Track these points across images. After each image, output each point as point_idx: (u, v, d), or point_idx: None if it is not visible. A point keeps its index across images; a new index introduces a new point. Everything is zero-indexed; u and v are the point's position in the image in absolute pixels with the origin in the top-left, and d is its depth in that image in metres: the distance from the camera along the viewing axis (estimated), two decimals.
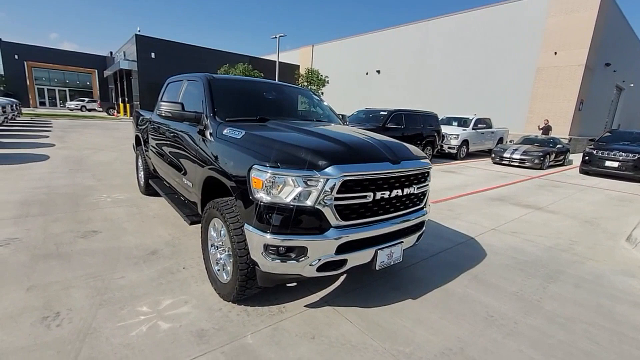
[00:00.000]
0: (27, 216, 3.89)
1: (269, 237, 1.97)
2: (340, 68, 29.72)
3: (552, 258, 3.62)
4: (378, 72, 27.32)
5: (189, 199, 3.28)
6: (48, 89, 38.43)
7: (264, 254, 2.01)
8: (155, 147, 4.21)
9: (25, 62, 34.90)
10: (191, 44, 28.63)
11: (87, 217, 4.00)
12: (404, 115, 10.37)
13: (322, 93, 23.35)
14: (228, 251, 2.33)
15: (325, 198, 2.00)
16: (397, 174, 2.27)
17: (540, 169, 10.73)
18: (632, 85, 26.22)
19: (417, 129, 10.59)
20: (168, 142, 3.70)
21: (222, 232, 2.39)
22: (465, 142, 12.28)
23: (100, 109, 33.70)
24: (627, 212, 5.92)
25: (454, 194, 6.40)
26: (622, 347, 2.19)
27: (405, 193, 2.35)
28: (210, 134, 2.72)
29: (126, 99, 30.93)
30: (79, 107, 32.84)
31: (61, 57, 36.66)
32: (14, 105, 15.55)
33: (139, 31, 26.21)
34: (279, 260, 2.01)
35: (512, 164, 11.16)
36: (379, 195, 2.19)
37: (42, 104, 37.99)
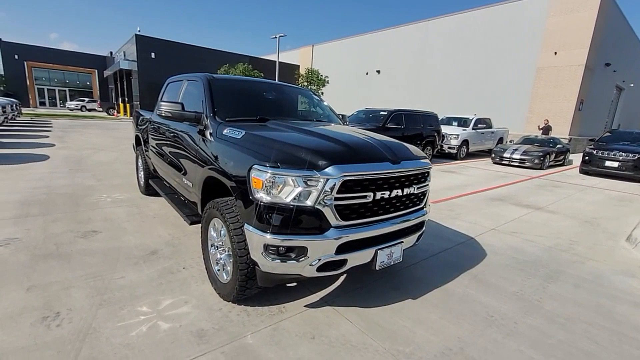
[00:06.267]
0: (27, 216, 3.89)
1: (269, 237, 1.97)
2: (340, 68, 29.72)
3: (552, 258, 3.62)
4: (378, 72, 27.32)
5: (189, 199, 3.28)
6: (48, 89, 38.42)
7: (264, 254, 2.01)
8: (155, 147, 4.21)
9: (25, 62, 34.89)
10: (191, 44, 28.64)
11: (87, 217, 4.00)
12: (404, 115, 10.37)
13: (322, 93, 23.34)
14: (228, 251, 2.33)
15: (325, 198, 2.00)
16: (397, 174, 2.27)
17: (540, 169, 10.73)
18: (632, 85, 26.22)
19: (417, 129, 10.59)
20: (168, 142, 3.70)
21: (222, 232, 2.39)
22: (465, 142, 12.28)
23: (100, 109, 33.70)
24: (627, 212, 5.92)
25: (454, 194, 6.40)
26: (622, 347, 2.19)
27: (405, 193, 2.35)
28: (210, 134, 2.72)
29: (126, 99, 30.92)
30: (79, 107, 32.84)
31: (61, 57, 36.65)
32: (14, 105, 15.55)
33: (139, 31, 26.22)
34: (279, 260, 2.01)
35: (512, 164, 11.16)
36: (379, 195, 2.19)
37: (42, 104, 37.99)
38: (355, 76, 29.04)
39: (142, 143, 4.89)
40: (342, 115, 4.41)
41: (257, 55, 33.18)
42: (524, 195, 6.81)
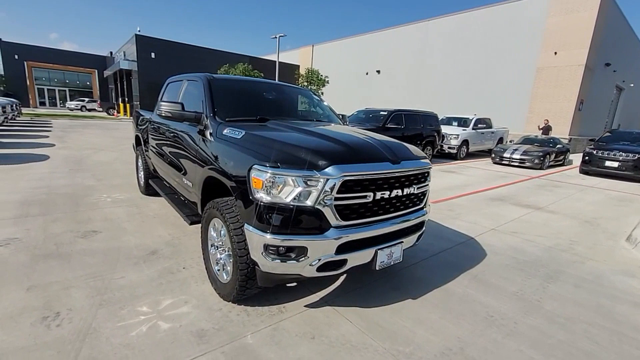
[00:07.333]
0: (27, 216, 3.89)
1: (269, 237, 1.97)
2: (340, 68, 29.72)
3: (552, 258, 3.62)
4: (378, 72, 27.32)
5: (189, 199, 3.28)
6: (48, 89, 38.42)
7: (264, 254, 2.01)
8: (155, 147, 4.21)
9: (25, 62, 34.89)
10: (191, 44, 28.64)
11: (87, 217, 3.99)
12: (404, 115, 10.37)
13: (322, 93, 23.34)
14: (228, 251, 2.33)
15: (325, 198, 1.99)
16: (397, 174, 2.27)
17: (540, 169, 10.73)
18: (632, 85, 26.22)
19: (417, 129, 10.59)
20: (168, 142, 3.70)
21: (222, 232, 2.39)
22: (465, 142, 12.28)
23: (100, 109, 33.70)
24: (627, 212, 5.92)
25: (454, 194, 6.40)
26: (622, 347, 2.19)
27: (405, 193, 2.35)
28: (210, 134, 2.72)
29: (126, 99, 30.92)
30: (79, 107, 32.84)
31: (61, 57, 36.66)
32: (14, 105, 15.55)
33: (139, 31, 26.22)
34: (279, 260, 2.01)
35: (512, 164, 11.16)
36: (379, 195, 2.19)
37: (42, 104, 37.99)
38: (355, 76, 29.03)
39: (142, 143, 4.89)
40: (342, 115, 4.41)
41: (257, 55, 33.18)
42: (524, 195, 6.81)
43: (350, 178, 2.03)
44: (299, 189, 1.98)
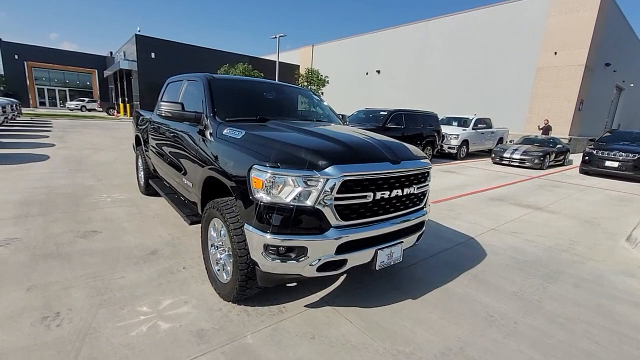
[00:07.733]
0: (27, 216, 3.89)
1: (269, 237, 1.97)
2: (340, 68, 29.72)
3: (552, 258, 3.62)
4: (378, 72, 27.33)
5: (189, 199, 3.28)
6: (48, 89, 38.43)
7: (264, 254, 2.01)
8: (155, 147, 4.22)
9: (25, 62, 34.90)
10: (191, 44, 28.65)
11: (87, 217, 4.00)
12: (404, 115, 10.37)
13: (322, 93, 23.34)
14: (228, 251, 2.33)
15: (325, 198, 1.99)
16: (397, 174, 2.27)
17: (540, 169, 10.73)
18: (632, 85, 26.22)
19: (417, 129, 10.60)
20: (168, 142, 3.70)
21: (222, 232, 2.39)
22: (465, 142, 12.28)
23: (100, 109, 33.71)
24: (627, 212, 5.92)
25: (454, 194, 6.40)
26: (622, 347, 2.19)
27: (405, 193, 2.35)
28: (210, 134, 2.72)
29: (126, 99, 30.93)
30: (79, 107, 32.85)
31: (61, 57, 36.66)
32: (14, 105, 15.55)
33: (139, 31, 26.23)
34: (279, 260, 2.01)
35: (512, 164, 11.16)
36: (379, 195, 2.19)
37: (42, 104, 37.99)
38: (355, 76, 29.03)
39: (142, 143, 4.89)
40: (342, 115, 4.41)
41: (257, 55, 33.18)
42: (524, 195, 6.81)
43: (350, 178, 2.03)
44: (299, 189, 1.98)
